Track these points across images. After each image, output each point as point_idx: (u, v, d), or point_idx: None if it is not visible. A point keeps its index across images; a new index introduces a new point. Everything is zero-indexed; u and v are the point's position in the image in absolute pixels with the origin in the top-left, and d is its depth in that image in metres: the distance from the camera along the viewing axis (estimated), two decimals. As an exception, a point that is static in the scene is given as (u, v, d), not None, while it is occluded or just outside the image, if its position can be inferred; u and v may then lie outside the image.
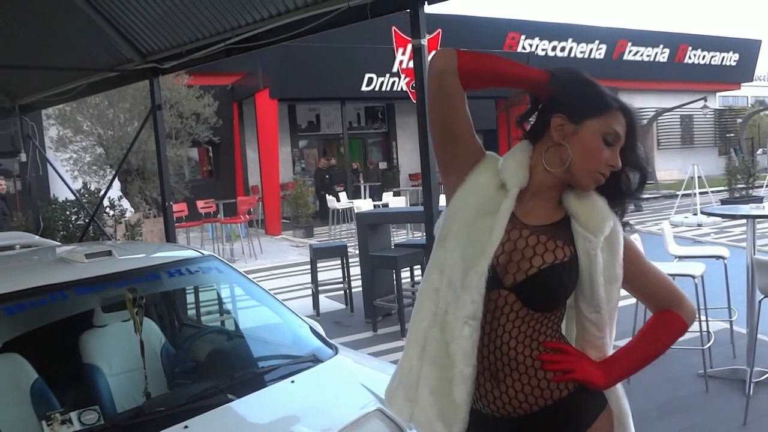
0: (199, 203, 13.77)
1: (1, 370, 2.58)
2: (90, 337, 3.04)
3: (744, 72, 28.26)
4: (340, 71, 16.31)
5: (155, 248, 3.64)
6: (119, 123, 13.47)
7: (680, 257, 5.32)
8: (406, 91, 13.75)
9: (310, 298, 7.61)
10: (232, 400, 2.44)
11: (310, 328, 3.14)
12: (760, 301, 4.20)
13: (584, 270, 1.57)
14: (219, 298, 3.50)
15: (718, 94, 29.61)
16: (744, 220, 4.80)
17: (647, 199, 18.20)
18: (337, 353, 2.98)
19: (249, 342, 3.19)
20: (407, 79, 16.73)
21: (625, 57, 24.56)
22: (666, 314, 1.68)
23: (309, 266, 7.58)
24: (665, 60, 25.70)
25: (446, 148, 1.67)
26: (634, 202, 1.65)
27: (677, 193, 15.89)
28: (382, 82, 17.18)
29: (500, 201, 1.58)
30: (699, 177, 13.78)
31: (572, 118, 1.55)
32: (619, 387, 1.69)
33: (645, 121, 24.76)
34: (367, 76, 17.05)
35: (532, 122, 1.66)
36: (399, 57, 14.92)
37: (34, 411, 2.43)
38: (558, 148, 1.57)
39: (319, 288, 7.48)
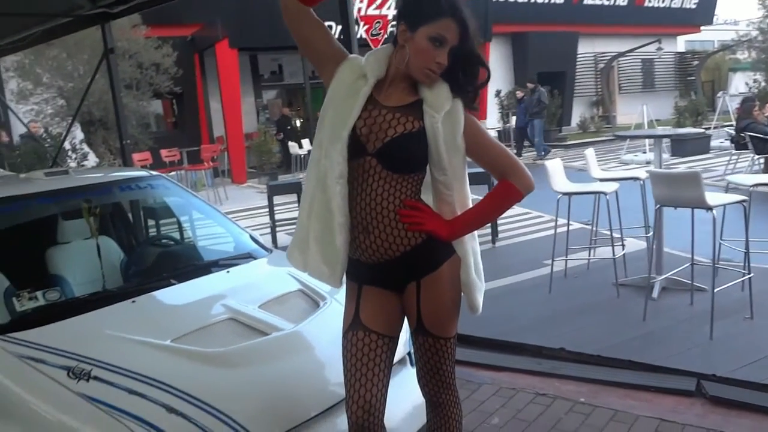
0: (163, 152, 14.01)
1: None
2: (54, 252, 3.42)
3: (704, 15, 28.63)
4: (300, 19, 16.36)
5: (108, 170, 4.02)
6: (79, 75, 13.53)
7: (600, 179, 5.81)
8: (366, 39, 13.85)
9: (269, 235, 8.04)
10: (174, 284, 2.89)
11: (250, 235, 3.58)
12: (657, 210, 4.71)
13: (431, 140, 2.00)
14: (168, 210, 3.90)
15: (680, 37, 30.03)
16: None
17: (603, 141, 18.73)
18: (271, 254, 3.44)
19: (193, 246, 3.63)
20: (366, 27, 16.90)
21: (585, 2, 24.78)
22: (504, 183, 2.11)
23: (271, 208, 7.98)
24: (625, 4, 25.97)
25: (312, 57, 2.15)
26: (474, 91, 2.07)
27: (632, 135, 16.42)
28: (341, 30, 17.26)
29: (361, 87, 2.04)
30: (654, 120, 14.28)
31: (410, 26, 1.99)
32: (466, 239, 2.14)
33: (602, 66, 25.21)
34: (326, 24, 17.12)
35: None
36: (357, 4, 14.99)
37: (7, 311, 2.81)
38: (402, 49, 2.01)
39: (278, 224, 7.90)
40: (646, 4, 26.47)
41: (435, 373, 2.20)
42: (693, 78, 27.34)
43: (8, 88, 13.57)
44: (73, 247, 3.44)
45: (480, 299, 2.17)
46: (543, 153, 15.61)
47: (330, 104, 2.07)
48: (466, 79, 2.04)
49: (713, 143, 14.51)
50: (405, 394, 2.45)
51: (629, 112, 24.85)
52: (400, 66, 2.01)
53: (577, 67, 24.68)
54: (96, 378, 2.17)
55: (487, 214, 2.15)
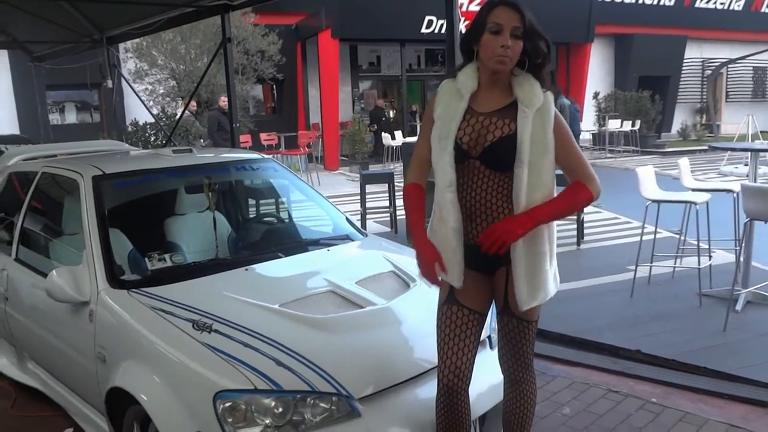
0: (263, 136, 14.69)
1: (112, 239, 3.32)
2: (172, 222, 3.83)
3: (825, 22, 26.96)
4: (401, 13, 16.71)
5: (226, 151, 4.43)
6: (190, 58, 14.38)
7: (693, 189, 5.79)
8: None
9: (359, 222, 8.39)
10: (281, 257, 3.24)
11: (346, 218, 3.90)
12: (746, 223, 4.71)
13: (519, 134, 2.21)
14: (275, 191, 4.27)
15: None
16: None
17: (703, 150, 18.07)
18: (366, 237, 3.75)
19: (297, 225, 3.98)
20: (467, 22, 17.02)
21: (697, 5, 23.85)
22: (578, 184, 2.29)
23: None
24: (740, 8, 24.81)
25: None
26: (541, 63, 2.26)
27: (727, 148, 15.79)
28: (442, 25, 17.43)
29: (458, 103, 2.31)
30: (760, 131, 13.58)
31: (476, 40, 2.23)
32: (520, 246, 2.28)
33: (710, 72, 24.19)
34: (427, 18, 17.39)
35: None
36: (459, 0, 15.03)
37: (140, 269, 3.19)
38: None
39: (368, 212, 8.25)
40: (764, 9, 25.21)
41: (516, 353, 2.43)
42: (810, 89, 25.81)
43: (126, 67, 14.58)
44: (188, 219, 3.84)
45: (521, 293, 2.28)
46: None
47: (437, 123, 2.34)
48: (543, 57, 2.24)
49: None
50: (483, 373, 2.66)
51: (735, 121, 23.78)
52: (483, 68, 2.26)
53: (683, 72, 23.82)
54: (216, 331, 2.52)
55: (560, 209, 2.31)
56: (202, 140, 10.61)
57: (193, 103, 11.71)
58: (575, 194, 2.30)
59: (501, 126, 2.24)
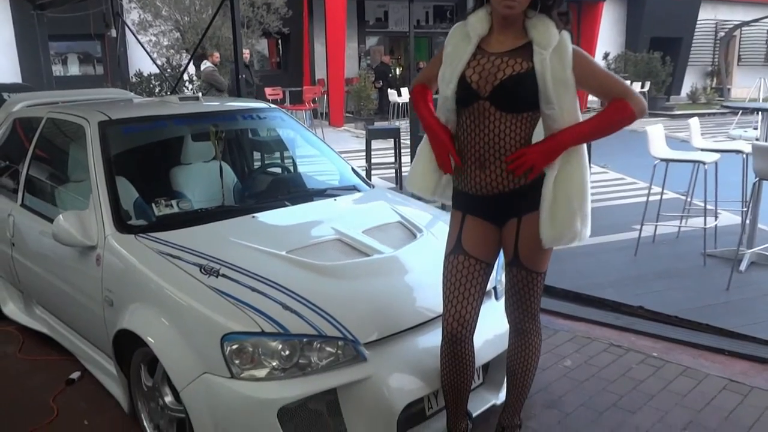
0: (267, 90, 14.55)
1: (118, 185, 3.30)
2: (179, 170, 3.80)
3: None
4: (410, -33, 16.36)
5: (233, 100, 4.39)
6: (195, 9, 14.15)
7: (702, 149, 5.75)
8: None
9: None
10: (287, 206, 3.24)
11: (353, 169, 3.89)
12: (755, 184, 4.68)
13: (539, 75, 2.15)
14: (281, 140, 4.24)
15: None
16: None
17: (713, 113, 17.90)
18: (373, 188, 3.74)
19: (303, 174, 3.97)
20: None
21: (713, -36, 23.36)
22: (619, 101, 2.20)
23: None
24: (756, -31, 24.30)
25: None
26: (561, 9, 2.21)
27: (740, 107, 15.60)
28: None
29: (467, 46, 2.27)
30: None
31: None
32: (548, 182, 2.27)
33: (723, 34, 23.80)
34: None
35: None
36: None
37: (146, 215, 3.16)
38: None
39: (373, 168, 8.22)
40: (780, -30, 24.63)
41: (522, 303, 2.44)
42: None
43: (129, 18, 14.36)
44: (194, 168, 3.82)
45: (545, 233, 2.26)
46: None
47: (444, 62, 2.31)
48: None
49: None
50: (488, 323, 2.68)
51: (746, 85, 23.42)
52: (494, 11, 2.21)
53: (696, 34, 23.42)
54: (224, 275, 2.52)
55: (599, 128, 2.23)
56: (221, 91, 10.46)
57: (216, 54, 11.51)
58: (615, 111, 2.20)
59: (512, 64, 2.18)
